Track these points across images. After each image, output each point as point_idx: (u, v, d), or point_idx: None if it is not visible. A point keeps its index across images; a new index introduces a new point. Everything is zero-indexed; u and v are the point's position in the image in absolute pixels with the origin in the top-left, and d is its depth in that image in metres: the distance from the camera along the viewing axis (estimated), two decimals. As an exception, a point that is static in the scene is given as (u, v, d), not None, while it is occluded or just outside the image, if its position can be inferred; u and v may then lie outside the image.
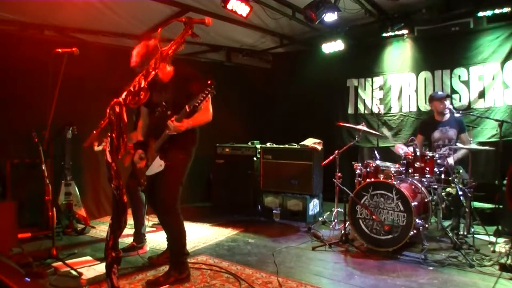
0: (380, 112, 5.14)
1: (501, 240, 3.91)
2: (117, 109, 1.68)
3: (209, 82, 2.78)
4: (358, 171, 4.46)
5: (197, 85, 2.95)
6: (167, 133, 2.91)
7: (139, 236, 3.82)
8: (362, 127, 4.63)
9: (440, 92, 4.85)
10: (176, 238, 3.09)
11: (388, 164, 4.37)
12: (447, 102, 4.59)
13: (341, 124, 4.71)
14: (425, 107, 5.70)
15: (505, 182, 3.85)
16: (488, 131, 5.12)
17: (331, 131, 6.34)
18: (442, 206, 4.25)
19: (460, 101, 5.40)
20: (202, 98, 2.77)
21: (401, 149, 4.40)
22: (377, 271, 3.30)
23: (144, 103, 3.17)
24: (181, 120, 2.85)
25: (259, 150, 5.58)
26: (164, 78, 3.06)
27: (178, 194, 3.04)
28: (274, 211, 5.28)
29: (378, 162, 4.35)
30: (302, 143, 5.43)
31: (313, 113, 6.71)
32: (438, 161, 4.05)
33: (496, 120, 4.50)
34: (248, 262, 3.51)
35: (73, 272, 3.14)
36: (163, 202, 3.02)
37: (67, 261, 3.29)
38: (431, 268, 3.36)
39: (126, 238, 3.95)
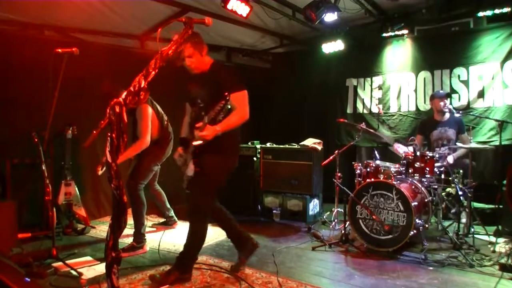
0: (380, 113, 5.14)
1: (501, 240, 3.91)
2: (117, 109, 1.67)
3: (225, 94, 2.66)
4: (358, 171, 4.46)
5: (228, 86, 2.80)
6: (192, 143, 2.83)
7: (139, 236, 3.82)
8: (363, 126, 4.63)
9: (441, 91, 4.86)
10: (192, 240, 3.06)
11: (388, 164, 4.37)
12: (448, 101, 4.60)
13: (342, 120, 4.70)
14: (424, 106, 5.70)
15: (505, 182, 3.85)
16: (487, 131, 5.12)
17: (331, 131, 6.35)
18: (442, 206, 4.26)
19: (459, 100, 5.40)
20: (217, 111, 2.66)
21: (400, 148, 4.41)
22: (377, 271, 3.30)
23: (187, 98, 3.14)
24: (203, 130, 2.71)
25: (259, 150, 5.57)
26: (197, 69, 3.00)
27: (207, 200, 3.03)
28: (274, 211, 5.28)
29: (378, 162, 4.35)
30: (302, 143, 5.43)
31: (313, 113, 6.72)
32: (439, 161, 4.06)
33: (496, 120, 4.51)
34: (248, 262, 3.50)
35: (73, 272, 3.14)
36: (191, 204, 3.04)
37: (67, 261, 3.29)
38: (431, 268, 3.36)
39: (126, 238, 3.95)
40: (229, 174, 3.09)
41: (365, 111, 6.30)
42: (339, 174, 4.61)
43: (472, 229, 3.92)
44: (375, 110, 5.94)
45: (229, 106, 2.72)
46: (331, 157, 4.81)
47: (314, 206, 5.32)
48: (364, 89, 6.34)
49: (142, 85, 1.77)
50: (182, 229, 4.71)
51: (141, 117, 3.74)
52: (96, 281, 3.02)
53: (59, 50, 3.28)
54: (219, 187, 3.09)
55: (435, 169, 4.00)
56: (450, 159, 4.29)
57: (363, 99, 6.34)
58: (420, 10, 5.49)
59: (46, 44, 4.18)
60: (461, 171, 4.29)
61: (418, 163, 4.02)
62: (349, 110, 6.47)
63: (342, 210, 4.16)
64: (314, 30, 6.14)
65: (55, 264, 3.27)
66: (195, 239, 3.07)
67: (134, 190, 3.80)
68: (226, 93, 2.66)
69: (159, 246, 3.73)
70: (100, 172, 3.73)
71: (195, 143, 2.80)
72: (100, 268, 3.26)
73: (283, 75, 7.20)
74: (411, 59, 5.86)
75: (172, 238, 4.28)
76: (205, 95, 2.90)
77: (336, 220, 4.67)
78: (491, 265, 3.36)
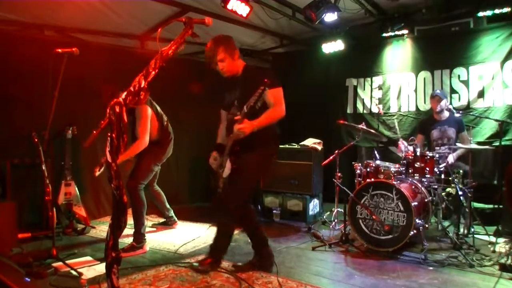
0: (380, 113, 5.13)
1: (501, 240, 3.91)
2: (117, 109, 1.67)
3: (265, 80, 2.66)
4: (358, 171, 4.46)
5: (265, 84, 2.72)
6: (231, 137, 2.85)
7: (139, 236, 3.82)
8: (363, 126, 4.63)
9: (438, 91, 4.84)
10: (217, 239, 3.10)
11: (388, 164, 4.37)
12: (442, 103, 4.60)
13: (342, 122, 4.70)
14: (424, 106, 5.70)
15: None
16: (487, 131, 5.11)
17: (331, 131, 6.35)
18: (442, 206, 4.26)
19: (459, 100, 5.40)
20: (256, 98, 2.64)
21: (404, 146, 4.39)
22: (377, 271, 3.30)
23: (222, 104, 3.18)
24: (242, 122, 2.72)
25: (259, 150, 5.57)
26: (229, 73, 3.01)
27: (239, 199, 3.00)
28: (274, 211, 5.28)
29: (378, 162, 4.35)
30: (302, 143, 5.43)
31: (313, 113, 6.71)
32: (439, 161, 4.06)
33: (496, 120, 4.50)
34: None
35: (73, 272, 3.14)
36: (224, 204, 3.04)
37: (67, 261, 3.28)
38: (431, 268, 3.36)
39: (126, 238, 3.95)
40: (267, 172, 3.09)
41: (365, 111, 6.30)
42: (339, 174, 4.61)
43: (472, 229, 3.93)
44: (375, 110, 5.94)
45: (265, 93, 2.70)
46: (331, 157, 4.81)
47: (314, 206, 5.32)
48: (364, 89, 6.34)
49: (142, 85, 1.77)
50: (182, 229, 4.72)
51: (140, 118, 3.74)
52: (96, 281, 3.01)
53: (59, 50, 3.28)
54: (256, 186, 3.09)
55: (435, 169, 4.00)
56: (451, 159, 4.29)
57: (363, 99, 6.34)
58: (420, 10, 5.49)
59: (46, 44, 4.17)
60: (461, 171, 4.29)
61: (418, 163, 4.02)
62: (349, 110, 6.47)
63: (342, 210, 4.16)
64: (314, 30, 6.14)
65: (55, 264, 3.27)
66: (220, 237, 3.11)
67: (134, 190, 3.80)
68: (266, 80, 2.65)
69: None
70: (97, 174, 3.73)
71: (234, 137, 2.80)
72: (100, 268, 3.26)
73: (283, 75, 7.17)
74: (411, 59, 5.86)
75: (172, 238, 4.28)
76: (240, 97, 2.90)
77: (336, 220, 4.67)
78: (491, 265, 3.36)
